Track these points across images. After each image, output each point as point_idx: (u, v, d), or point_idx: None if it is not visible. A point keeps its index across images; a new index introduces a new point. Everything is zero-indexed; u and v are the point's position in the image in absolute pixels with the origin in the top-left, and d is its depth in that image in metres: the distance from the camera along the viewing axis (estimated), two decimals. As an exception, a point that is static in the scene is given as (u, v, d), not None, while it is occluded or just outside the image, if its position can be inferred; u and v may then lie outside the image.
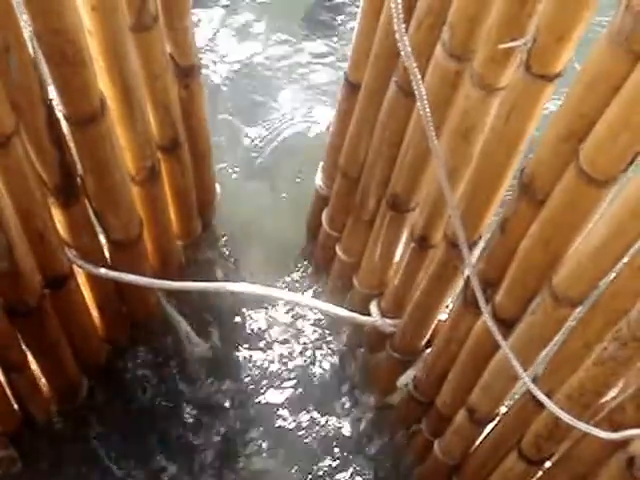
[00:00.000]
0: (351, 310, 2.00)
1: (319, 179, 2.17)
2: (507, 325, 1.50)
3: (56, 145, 1.52)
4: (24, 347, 1.76)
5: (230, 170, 2.50)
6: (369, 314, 2.00)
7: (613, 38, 1.08)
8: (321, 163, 2.16)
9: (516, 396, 1.63)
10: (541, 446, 1.56)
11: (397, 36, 1.22)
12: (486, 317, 1.47)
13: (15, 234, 1.50)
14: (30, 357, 1.80)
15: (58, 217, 1.66)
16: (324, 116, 2.59)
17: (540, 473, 1.65)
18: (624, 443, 1.35)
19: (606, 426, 1.35)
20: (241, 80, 2.76)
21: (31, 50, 1.35)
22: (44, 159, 1.52)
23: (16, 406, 1.88)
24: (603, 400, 1.41)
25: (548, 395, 1.44)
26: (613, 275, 1.26)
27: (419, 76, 1.26)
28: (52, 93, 1.45)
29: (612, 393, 1.41)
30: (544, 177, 1.31)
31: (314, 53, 2.87)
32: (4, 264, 1.52)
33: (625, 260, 1.22)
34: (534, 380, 1.47)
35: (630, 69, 1.08)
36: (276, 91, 2.75)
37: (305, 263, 2.35)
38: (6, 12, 1.25)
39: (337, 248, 2.12)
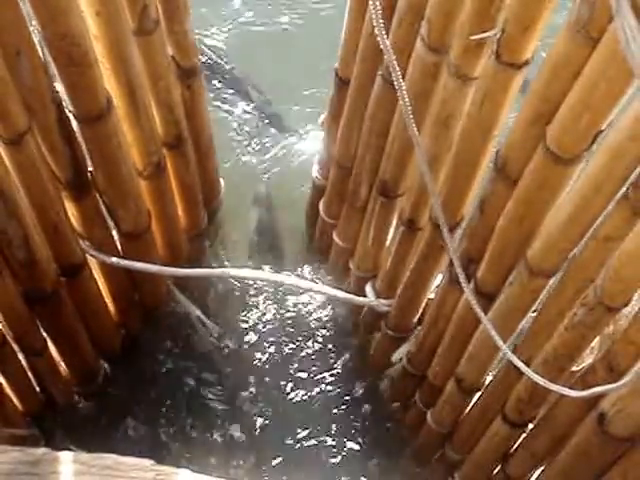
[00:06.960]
0: (349, 292, 2.10)
1: (315, 170, 2.26)
2: (489, 298, 1.60)
3: (67, 142, 1.60)
4: (43, 332, 1.84)
5: (234, 164, 2.58)
6: (366, 295, 2.09)
7: (572, 26, 1.16)
8: (317, 155, 2.26)
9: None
10: (523, 410, 1.65)
11: (376, 31, 1.33)
12: (467, 292, 1.57)
13: (31, 226, 1.60)
14: (49, 342, 1.88)
15: (71, 210, 1.75)
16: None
17: (523, 435, 1.75)
18: (595, 402, 1.44)
19: (580, 387, 1.44)
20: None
21: (40, 54, 1.44)
22: (56, 155, 1.61)
23: (38, 388, 1.96)
24: (578, 366, 1.51)
25: (528, 362, 1.53)
26: (581, 247, 1.35)
27: (398, 68, 1.36)
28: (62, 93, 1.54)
29: (587, 359, 1.50)
30: (516, 159, 1.39)
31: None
32: (21, 253, 1.61)
33: (590, 233, 1.31)
34: (514, 349, 1.56)
35: (589, 55, 1.16)
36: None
37: (305, 250, 2.43)
38: (16, 19, 1.35)
39: (334, 234, 2.21)
